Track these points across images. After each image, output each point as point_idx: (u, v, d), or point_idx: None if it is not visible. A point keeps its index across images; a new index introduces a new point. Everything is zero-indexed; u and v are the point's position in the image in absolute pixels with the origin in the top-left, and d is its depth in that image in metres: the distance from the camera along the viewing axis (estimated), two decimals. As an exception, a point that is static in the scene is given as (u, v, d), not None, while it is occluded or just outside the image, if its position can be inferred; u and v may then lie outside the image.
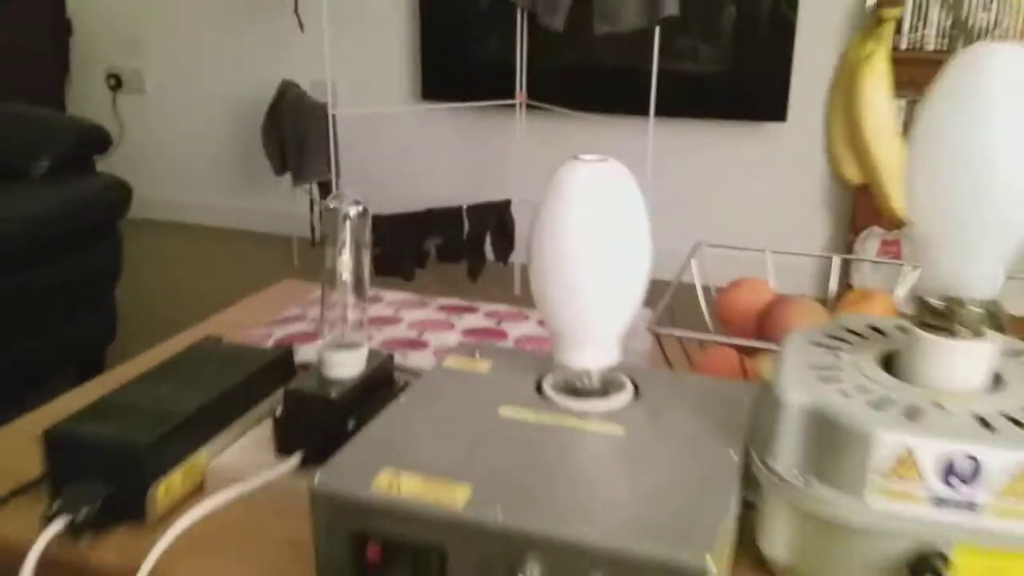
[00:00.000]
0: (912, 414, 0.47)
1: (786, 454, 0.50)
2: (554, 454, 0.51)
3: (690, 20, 2.94)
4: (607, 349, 0.57)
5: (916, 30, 2.79)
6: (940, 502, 0.45)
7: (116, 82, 3.69)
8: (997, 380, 0.51)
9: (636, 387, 0.60)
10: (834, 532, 0.48)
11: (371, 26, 3.36)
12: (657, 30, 2.29)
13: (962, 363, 0.50)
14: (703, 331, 0.70)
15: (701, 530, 0.45)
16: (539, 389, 0.59)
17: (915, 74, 2.97)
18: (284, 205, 3.53)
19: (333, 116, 2.55)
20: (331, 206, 0.63)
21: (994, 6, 2.73)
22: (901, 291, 0.82)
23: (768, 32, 2.81)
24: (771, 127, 2.91)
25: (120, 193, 2.10)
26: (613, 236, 0.55)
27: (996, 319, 0.51)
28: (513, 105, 2.83)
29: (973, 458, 0.45)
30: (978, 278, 0.50)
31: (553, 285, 0.56)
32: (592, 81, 3.01)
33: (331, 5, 3.03)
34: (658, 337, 0.72)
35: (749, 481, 0.52)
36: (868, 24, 0.69)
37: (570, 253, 0.54)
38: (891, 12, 0.67)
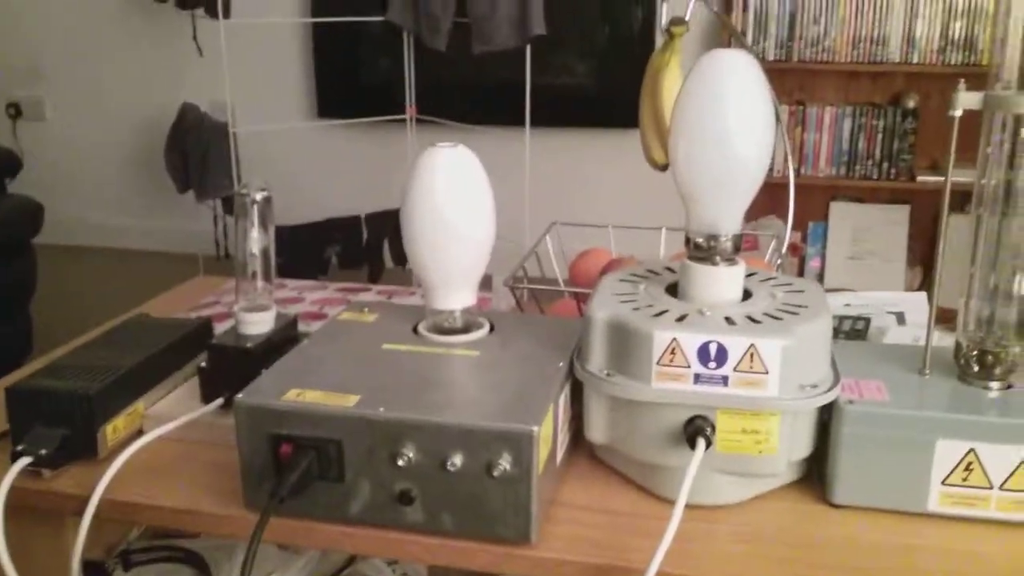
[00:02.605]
0: (681, 319, 0.64)
1: (596, 357, 0.67)
2: (424, 371, 0.67)
3: (566, 38, 3.17)
4: (465, 293, 0.73)
5: (758, 42, 3.06)
6: (701, 379, 0.63)
7: (16, 111, 3.70)
8: (747, 295, 0.70)
9: (492, 327, 0.76)
10: (632, 410, 0.65)
11: (268, 49, 3.48)
12: (528, 48, 2.48)
13: (718, 282, 0.68)
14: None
15: (530, 411, 0.61)
16: (416, 331, 0.75)
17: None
18: (189, 223, 3.60)
19: (234, 134, 2.66)
20: (241, 191, 0.77)
21: (823, 19, 3.03)
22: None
23: (633, 48, 3.05)
24: (634, 132, 3.15)
25: (32, 211, 2.17)
26: (464, 204, 0.71)
27: (738, 249, 0.68)
28: (404, 120, 2.99)
29: (720, 345, 0.62)
30: (726, 220, 0.67)
31: (421, 244, 0.71)
32: (476, 95, 3.21)
33: (228, 30, 3.14)
34: (513, 292, 0.88)
35: (576, 387, 0.69)
36: (665, 39, 0.87)
37: (433, 219, 0.70)
38: (678, 29, 0.85)
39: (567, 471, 0.70)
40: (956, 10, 2.96)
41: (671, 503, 0.60)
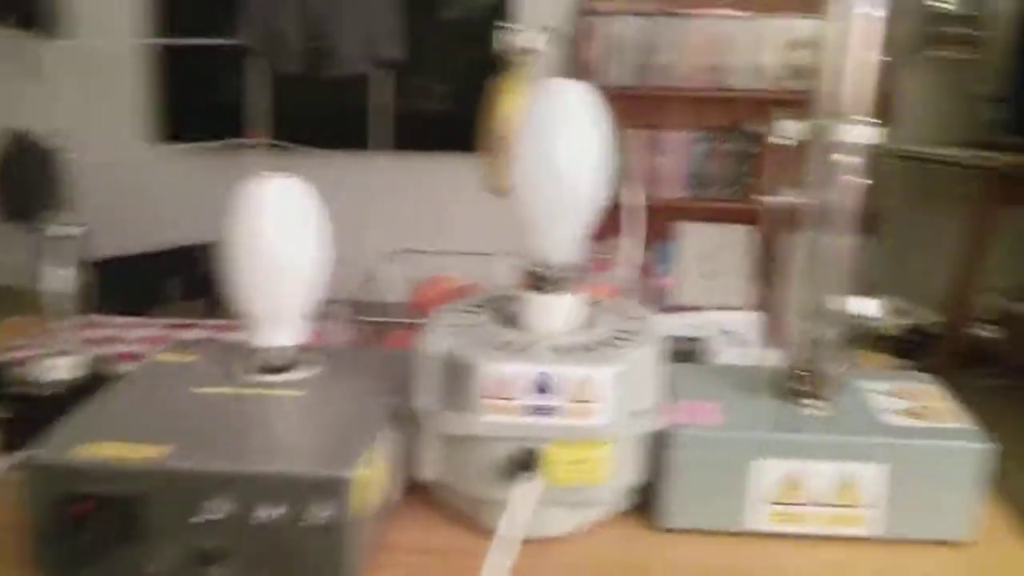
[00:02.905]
0: (512, 349, 0.63)
1: (425, 392, 0.64)
2: (240, 416, 0.63)
3: (427, 62, 3.15)
4: (292, 329, 0.69)
5: (611, 69, 3.15)
6: (530, 410, 0.61)
7: None
8: (590, 322, 0.68)
9: (324, 362, 0.72)
10: (462, 445, 0.63)
11: (110, 72, 3.31)
12: (383, 71, 2.46)
13: (552, 311, 0.67)
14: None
15: (349, 454, 0.57)
16: (237, 371, 0.70)
17: (614, 107, 3.33)
18: (12, 254, 3.37)
19: (69, 161, 2.51)
20: (47, 231, 0.71)
21: (673, 49, 3.14)
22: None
23: (495, 72, 3.06)
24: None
25: None
26: (287, 235, 0.67)
27: (575, 279, 0.67)
28: (253, 144, 2.90)
29: (551, 375, 0.61)
30: (561, 248, 0.66)
31: (246, 279, 0.67)
32: (330, 119, 3.15)
33: (65, 54, 2.97)
34: (344, 322, 0.85)
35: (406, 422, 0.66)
36: (506, 67, 0.86)
37: (258, 252, 0.66)
38: (517, 58, 0.85)
39: (401, 511, 0.67)
40: (797, 40, 3.12)
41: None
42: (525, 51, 0.85)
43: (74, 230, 0.73)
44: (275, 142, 2.88)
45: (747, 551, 0.63)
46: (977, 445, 0.63)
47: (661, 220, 3.40)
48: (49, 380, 0.70)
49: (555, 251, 0.67)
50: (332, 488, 0.55)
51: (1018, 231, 3.26)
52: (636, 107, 3.34)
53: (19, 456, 0.68)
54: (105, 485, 0.56)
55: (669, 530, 0.65)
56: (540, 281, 0.67)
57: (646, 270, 3.39)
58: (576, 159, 0.64)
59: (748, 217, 3.36)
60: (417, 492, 0.69)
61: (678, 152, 3.24)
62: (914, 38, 3.20)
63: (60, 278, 0.73)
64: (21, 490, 0.66)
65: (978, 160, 2.68)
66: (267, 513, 0.55)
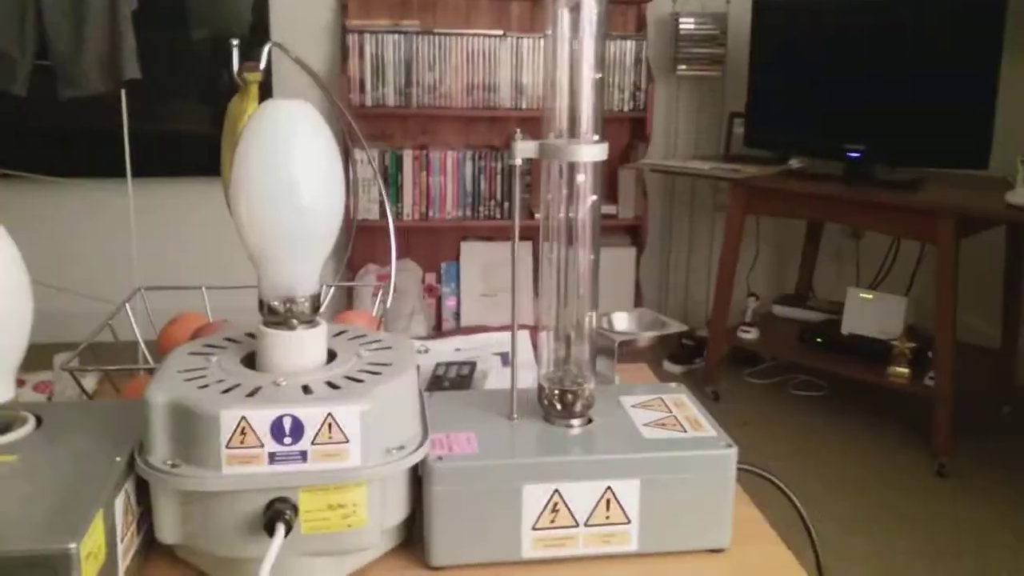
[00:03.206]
0: (252, 393, 0.58)
1: (159, 447, 0.58)
2: (-65, 491, 0.54)
3: (181, 85, 3.00)
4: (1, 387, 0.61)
5: (377, 89, 3.13)
6: (278, 458, 0.57)
7: None
8: (332, 356, 0.65)
9: (40, 421, 0.64)
10: (204, 503, 0.58)
11: None
12: (124, 93, 2.31)
13: (297, 348, 0.63)
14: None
15: (71, 523, 0.51)
16: (-66, 439, 0.61)
17: (383, 126, 3.34)
18: None
19: None
20: None
21: (437, 67, 3.18)
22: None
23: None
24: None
25: None
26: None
27: (318, 310, 0.64)
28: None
29: (295, 418, 0.57)
30: (302, 279, 0.63)
31: (-70, 336, 0.58)
32: (70, 145, 2.92)
33: None
34: (73, 375, 0.77)
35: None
36: (241, 87, 0.82)
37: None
38: (253, 76, 0.80)
39: (137, 568, 0.61)
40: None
41: (252, 602, 0.54)
42: (253, 68, 0.81)
43: None
44: (11, 172, 2.62)
45: (513, 579, 0.63)
46: (723, 451, 0.65)
47: (443, 240, 3.41)
48: None
49: (296, 283, 0.63)
50: (54, 562, 0.48)
51: (769, 238, 3.55)
52: (407, 126, 3.33)
53: None
54: None
55: (437, 568, 0.63)
56: (282, 316, 0.63)
57: (430, 291, 3.40)
58: (303, 184, 0.61)
59: (525, 233, 3.44)
60: (160, 555, 0.63)
61: (451, 171, 3.26)
62: (666, 58, 3.41)
63: None
64: None
65: (725, 172, 2.88)
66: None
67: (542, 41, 3.20)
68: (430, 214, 3.26)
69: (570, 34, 0.67)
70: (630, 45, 3.28)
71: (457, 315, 3.40)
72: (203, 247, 3.18)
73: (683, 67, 3.37)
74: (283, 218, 0.61)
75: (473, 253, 3.41)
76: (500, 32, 3.20)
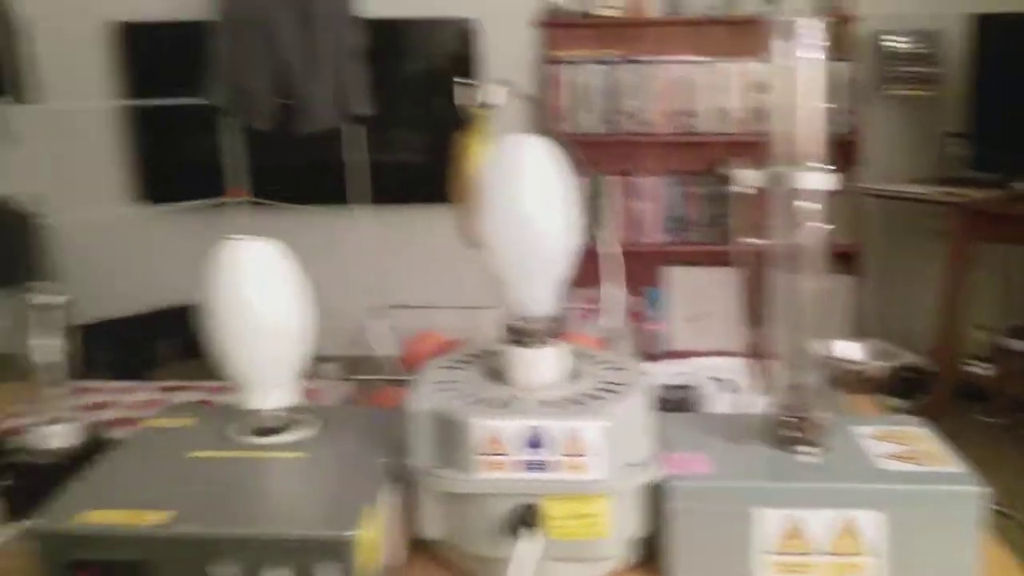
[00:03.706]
0: (499, 405, 0.64)
1: (421, 451, 0.65)
2: (238, 479, 0.63)
3: (400, 117, 3.20)
4: (282, 391, 0.70)
5: (581, 117, 3.20)
6: (523, 466, 0.62)
7: None
8: (575, 374, 0.69)
9: (317, 423, 0.73)
10: (460, 503, 0.63)
11: (84, 136, 3.33)
12: (355, 127, 2.49)
13: (536, 365, 0.68)
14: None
15: (351, 515, 0.58)
16: (233, 434, 0.71)
17: (587, 154, 3.38)
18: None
19: (46, 226, 2.52)
20: (32, 301, 0.72)
21: (639, 95, 3.20)
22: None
23: (460, 125, 3.12)
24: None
25: None
26: (271, 298, 0.68)
27: (556, 331, 0.69)
28: (234, 202, 2.92)
29: (542, 430, 0.62)
30: (539, 300, 0.68)
31: (231, 342, 0.68)
32: (310, 175, 3.18)
33: (41, 119, 2.99)
34: (336, 383, 0.85)
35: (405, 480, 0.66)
36: (470, 121, 0.89)
37: (240, 315, 0.67)
38: (480, 111, 0.87)
39: (403, 570, 0.67)
40: (757, 84, 3.18)
41: (504, 598, 0.59)
42: (485, 105, 0.87)
43: (58, 299, 0.74)
44: (254, 199, 2.89)
45: (746, 599, 0.64)
46: (973, 488, 0.64)
47: (645, 265, 3.43)
48: (47, 448, 0.70)
49: (532, 304, 0.68)
50: (337, 549, 0.55)
51: (996, 266, 3.31)
52: (607, 153, 3.38)
53: (21, 525, 0.68)
54: (110, 552, 0.56)
55: (671, 577, 0.65)
56: (521, 335, 0.68)
57: (636, 317, 3.42)
58: (542, 212, 0.66)
59: (730, 259, 3.39)
60: (421, 550, 0.69)
61: (654, 197, 3.28)
62: (873, 78, 3.28)
63: (48, 347, 0.73)
64: (26, 558, 0.66)
65: (949, 196, 2.73)
66: (273, 574, 0.55)
67: (745, 66, 3.17)
68: (636, 239, 3.29)
69: (794, 61, 0.68)
70: (836, 66, 3.18)
71: (664, 341, 3.39)
72: (426, 270, 3.36)
73: (892, 87, 3.22)
74: (521, 245, 0.66)
75: (677, 278, 3.40)
76: (702, 58, 3.19)
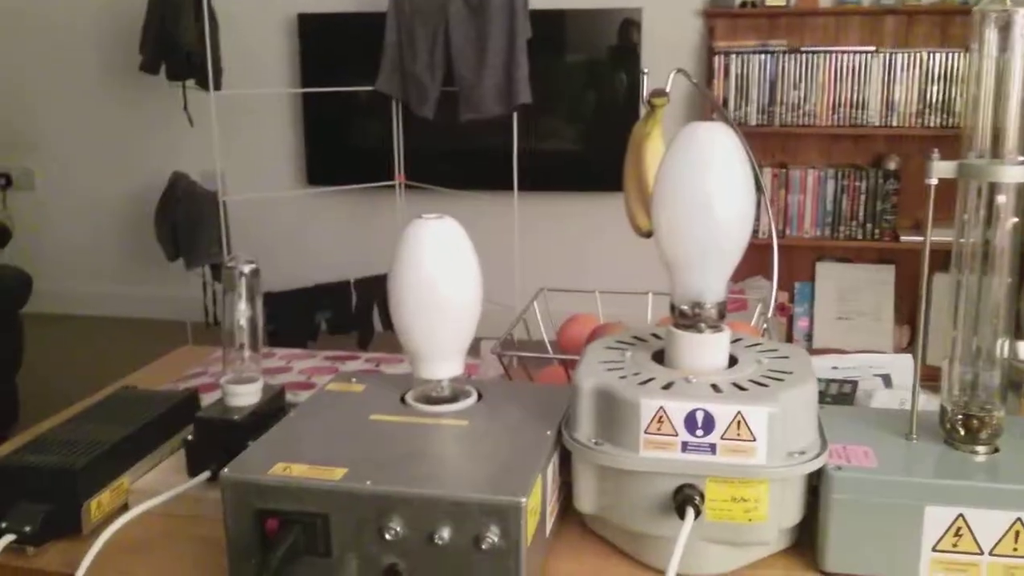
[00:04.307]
0: (667, 386, 0.65)
1: (584, 426, 0.67)
2: (411, 442, 0.67)
3: (554, 105, 3.23)
4: (453, 363, 0.74)
5: (740, 108, 3.13)
6: (689, 447, 0.63)
7: (6, 181, 3.74)
8: (733, 361, 0.70)
9: (480, 395, 0.76)
10: (620, 479, 0.65)
11: (258, 119, 3.53)
12: (515, 115, 2.53)
13: (704, 349, 0.68)
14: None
15: (518, 481, 0.60)
16: (403, 401, 0.75)
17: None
18: (178, 290, 3.60)
19: (223, 202, 2.68)
20: (229, 264, 0.78)
21: (803, 85, 3.10)
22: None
23: (618, 113, 3.11)
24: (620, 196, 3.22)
25: (20, 282, 2.18)
26: (450, 275, 0.71)
27: (723, 316, 0.69)
28: (393, 186, 3.03)
29: (708, 412, 0.62)
30: (710, 287, 0.68)
31: (408, 315, 0.72)
32: (464, 161, 3.26)
33: (219, 101, 3.19)
34: (500, 359, 0.88)
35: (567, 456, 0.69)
36: (647, 110, 0.89)
37: (419, 290, 0.71)
38: (660, 101, 0.87)
39: (557, 542, 0.69)
40: (933, 75, 3.03)
41: (662, 573, 0.60)
42: (661, 93, 0.88)
43: (250, 267, 0.79)
44: (415, 183, 3.00)
45: (908, 596, 0.63)
46: None
47: (797, 259, 3.34)
48: (233, 406, 0.76)
49: (705, 290, 0.68)
50: (506, 513, 0.58)
51: None
52: (767, 144, 3.30)
53: (204, 477, 0.74)
54: (294, 503, 0.61)
55: (828, 573, 0.65)
56: (691, 319, 0.69)
57: (783, 310, 3.34)
58: (722, 197, 0.66)
59: (887, 256, 3.25)
60: (573, 523, 0.71)
61: (812, 190, 3.18)
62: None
63: (239, 311, 0.79)
64: (211, 506, 0.73)
65: None
66: (445, 534, 0.58)
67: (918, 56, 3.02)
68: (787, 232, 3.21)
69: (997, 52, 0.65)
70: None
71: (809, 336, 3.30)
72: (574, 255, 3.39)
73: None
74: (698, 231, 0.67)
75: (829, 274, 3.29)
76: (872, 48, 3.07)
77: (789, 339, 3.33)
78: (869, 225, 3.16)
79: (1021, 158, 0.66)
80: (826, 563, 0.65)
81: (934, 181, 0.67)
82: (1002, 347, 0.68)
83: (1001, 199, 0.67)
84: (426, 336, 0.72)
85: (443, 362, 0.73)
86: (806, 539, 0.68)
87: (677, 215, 0.67)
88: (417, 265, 0.71)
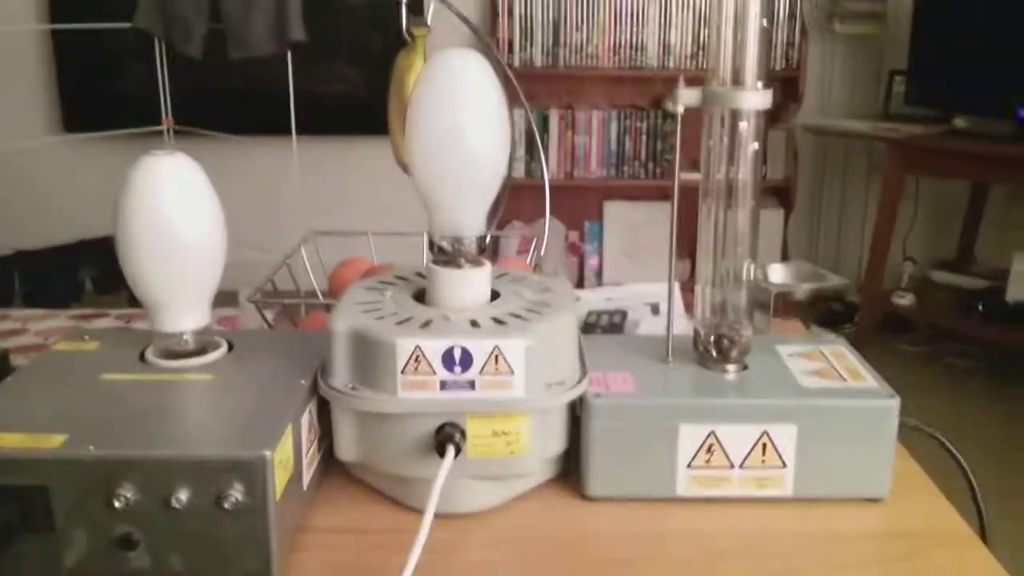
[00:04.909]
0: (425, 325, 0.62)
1: (340, 371, 0.63)
2: (148, 401, 0.61)
3: (333, 44, 3.11)
4: (197, 313, 0.68)
5: (525, 50, 3.15)
6: (448, 385, 0.61)
7: None
8: (496, 295, 0.68)
9: (232, 346, 0.71)
10: (380, 423, 0.62)
11: (3, 64, 3.18)
12: (290, 55, 2.42)
13: (464, 286, 0.66)
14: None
15: (263, 435, 0.56)
16: (143, 358, 0.68)
17: (530, 87, 3.35)
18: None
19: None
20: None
21: (584, 27, 3.16)
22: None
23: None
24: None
25: None
26: (185, 216, 0.65)
27: (484, 253, 0.67)
28: (161, 131, 2.82)
29: (465, 349, 0.60)
30: (467, 221, 0.66)
31: (144, 263, 0.65)
32: (239, 104, 3.09)
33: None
34: (258, 308, 0.83)
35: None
36: (408, 42, 0.85)
37: (150, 233, 0.64)
38: (420, 31, 0.84)
39: (318, 494, 0.66)
40: (705, 18, 3.16)
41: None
42: (424, 26, 0.84)
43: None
44: (182, 128, 2.80)
45: (670, 517, 0.64)
46: (887, 402, 0.65)
47: (586, 199, 3.42)
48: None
49: (459, 224, 0.66)
50: (250, 469, 0.53)
51: (927, 201, 3.38)
52: (553, 87, 3.35)
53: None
54: (7, 476, 0.54)
55: (593, 499, 0.65)
56: (450, 256, 0.66)
57: (574, 249, 3.43)
58: (473, 128, 0.63)
59: (668, 193, 3.40)
60: (336, 472, 0.68)
61: (597, 131, 3.26)
62: (821, 14, 3.28)
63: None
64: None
65: (885, 132, 2.76)
66: (183, 497, 0.53)
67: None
68: (574, 173, 3.28)
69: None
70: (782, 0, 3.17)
71: (599, 274, 3.41)
72: (358, 200, 3.31)
73: (840, 23, 3.23)
74: (452, 161, 0.64)
75: (616, 213, 3.41)
76: (648, -11, 3.16)
77: (580, 277, 3.43)
78: (651, 164, 3.28)
79: (760, 85, 0.67)
80: (589, 489, 0.65)
81: (680, 109, 0.68)
82: (748, 269, 0.70)
83: (743, 126, 0.68)
84: (163, 285, 0.65)
85: (185, 313, 0.67)
86: (573, 468, 0.68)
87: (429, 146, 0.64)
88: (148, 207, 0.64)
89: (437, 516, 0.56)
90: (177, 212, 0.64)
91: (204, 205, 0.66)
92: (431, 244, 0.67)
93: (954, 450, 0.71)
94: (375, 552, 0.60)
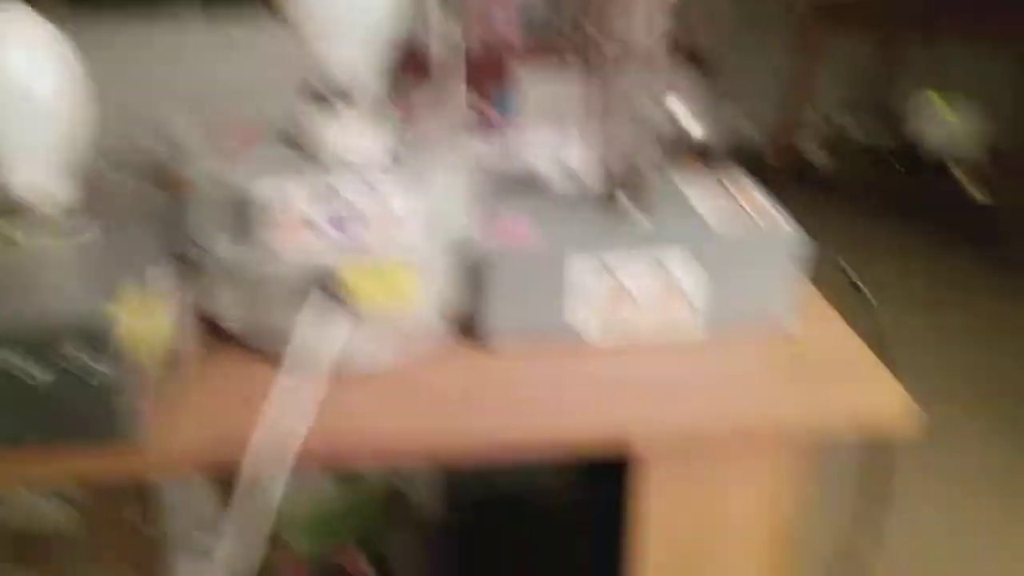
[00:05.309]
0: (301, 173, 0.57)
1: (213, 231, 0.58)
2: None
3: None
4: (53, 175, 0.60)
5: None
6: (325, 238, 0.56)
7: None
8: (396, 148, 0.62)
9: (94, 211, 0.64)
10: (259, 282, 0.57)
11: None
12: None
13: (342, 129, 0.60)
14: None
15: (102, 291, 0.50)
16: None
17: None
18: None
19: None
20: None
21: None
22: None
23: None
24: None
25: None
26: (37, 71, 0.57)
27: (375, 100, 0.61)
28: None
29: (352, 204, 0.55)
30: (341, 63, 0.60)
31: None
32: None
33: None
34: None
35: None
36: None
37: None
38: None
39: (202, 364, 0.61)
40: None
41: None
42: None
43: None
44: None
45: (575, 364, 0.62)
46: (790, 233, 0.63)
47: (500, 67, 3.31)
48: None
49: (338, 66, 0.60)
50: (89, 330, 0.48)
51: (843, 59, 3.36)
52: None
53: None
54: None
55: (494, 350, 0.62)
56: (322, 98, 0.60)
57: (488, 117, 3.33)
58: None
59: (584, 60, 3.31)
60: (223, 341, 0.63)
61: (510, -5, 3.13)
62: None
63: None
64: None
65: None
66: (25, 366, 0.48)
67: None
68: (487, 40, 3.16)
69: None
70: None
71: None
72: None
73: None
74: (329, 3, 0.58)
75: (532, 81, 3.32)
76: None
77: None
78: (573, 33, 3.17)
79: None
80: (491, 340, 0.62)
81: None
82: (658, 113, 0.66)
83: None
84: (9, 136, 0.58)
85: (38, 173, 0.60)
86: (472, 317, 0.64)
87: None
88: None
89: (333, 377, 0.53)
90: (23, 64, 0.57)
91: (53, 62, 0.58)
92: (307, 87, 0.61)
93: (854, 276, 0.69)
94: (258, 414, 0.56)
